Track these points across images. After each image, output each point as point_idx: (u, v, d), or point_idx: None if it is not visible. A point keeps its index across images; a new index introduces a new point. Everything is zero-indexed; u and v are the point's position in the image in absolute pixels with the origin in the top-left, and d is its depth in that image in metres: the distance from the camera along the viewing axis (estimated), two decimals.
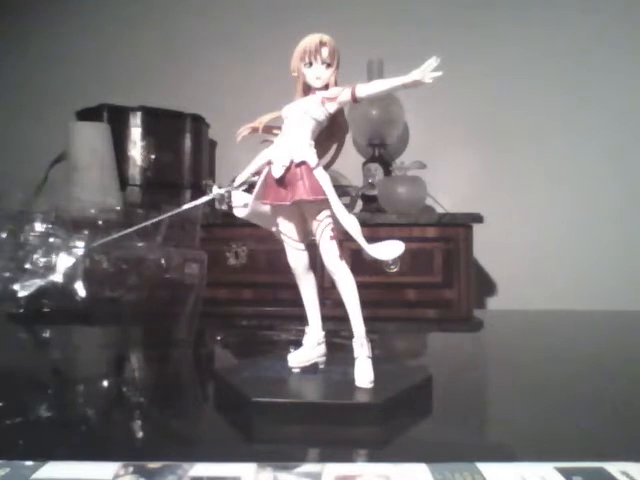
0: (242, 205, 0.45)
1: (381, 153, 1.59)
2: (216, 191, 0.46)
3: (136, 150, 1.54)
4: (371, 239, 0.41)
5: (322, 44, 0.42)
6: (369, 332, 0.41)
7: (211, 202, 0.47)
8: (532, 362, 0.62)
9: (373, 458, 0.34)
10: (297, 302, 0.45)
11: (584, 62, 1.65)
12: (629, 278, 1.56)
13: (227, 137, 1.66)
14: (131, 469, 0.22)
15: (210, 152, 1.78)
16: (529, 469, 0.22)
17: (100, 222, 0.69)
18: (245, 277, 1.39)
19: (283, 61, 0.47)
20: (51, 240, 0.66)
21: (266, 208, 0.44)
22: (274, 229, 0.45)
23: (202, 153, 1.67)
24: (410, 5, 1.75)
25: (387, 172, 1.53)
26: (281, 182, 0.41)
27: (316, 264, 0.45)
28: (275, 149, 0.43)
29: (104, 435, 0.37)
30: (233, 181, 0.45)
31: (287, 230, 0.44)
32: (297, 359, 0.44)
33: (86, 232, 0.66)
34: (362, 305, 0.41)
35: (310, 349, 0.44)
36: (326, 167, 0.43)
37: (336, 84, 0.43)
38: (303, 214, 0.43)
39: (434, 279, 1.33)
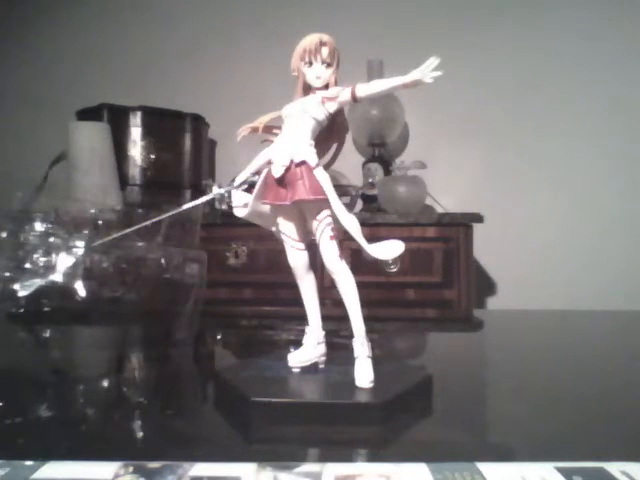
0: (242, 205, 0.45)
1: (381, 153, 1.59)
2: (216, 191, 0.46)
3: (136, 150, 1.54)
4: (371, 239, 0.41)
5: (322, 44, 0.42)
6: (369, 332, 0.41)
7: (211, 202, 0.47)
8: (532, 362, 0.62)
9: (373, 458, 0.34)
10: (297, 302, 0.45)
11: (586, 62, 1.65)
12: (629, 278, 1.56)
13: (227, 137, 1.66)
14: (131, 469, 0.22)
15: (210, 152, 1.78)
16: (529, 469, 0.22)
17: (100, 222, 0.69)
18: (245, 277, 1.40)
19: (283, 61, 0.47)
20: (51, 240, 0.66)
21: (266, 208, 0.44)
22: (274, 229, 0.45)
23: (202, 153, 1.67)
24: (410, 5, 1.75)
25: (387, 172, 1.53)
26: (281, 182, 0.41)
27: (316, 264, 0.45)
28: (275, 149, 0.43)
29: (104, 435, 0.37)
30: (233, 181, 0.45)
31: (287, 230, 0.44)
32: (297, 359, 0.44)
33: (86, 232, 0.66)
34: (362, 305, 0.41)
35: (310, 349, 0.44)
36: (326, 167, 0.43)
37: (336, 84, 0.43)
38: (303, 214, 0.43)
39: (434, 279, 1.33)
